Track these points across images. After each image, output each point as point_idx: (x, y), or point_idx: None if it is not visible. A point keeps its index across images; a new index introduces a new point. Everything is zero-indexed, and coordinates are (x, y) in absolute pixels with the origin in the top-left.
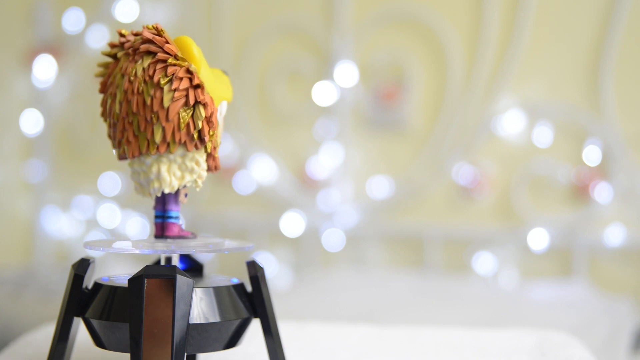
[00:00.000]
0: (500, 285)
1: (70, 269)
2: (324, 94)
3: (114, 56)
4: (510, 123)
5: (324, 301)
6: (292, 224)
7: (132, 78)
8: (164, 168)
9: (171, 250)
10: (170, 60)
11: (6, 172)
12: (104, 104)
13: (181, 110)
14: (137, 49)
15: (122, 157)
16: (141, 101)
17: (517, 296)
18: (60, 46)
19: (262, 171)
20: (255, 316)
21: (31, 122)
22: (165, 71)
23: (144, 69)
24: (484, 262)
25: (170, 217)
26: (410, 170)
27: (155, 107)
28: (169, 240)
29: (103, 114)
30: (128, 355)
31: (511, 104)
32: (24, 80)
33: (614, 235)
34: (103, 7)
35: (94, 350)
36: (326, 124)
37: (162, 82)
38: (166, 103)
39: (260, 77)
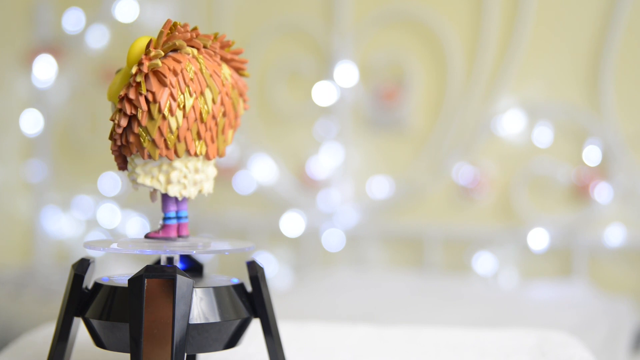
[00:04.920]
0: (500, 285)
1: (70, 269)
2: (324, 94)
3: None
4: (510, 123)
5: (324, 301)
6: (292, 224)
7: (225, 81)
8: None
9: (172, 251)
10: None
11: (6, 172)
12: (170, 95)
13: None
14: (216, 52)
15: (170, 155)
16: (230, 105)
17: (517, 296)
18: (60, 46)
19: (262, 171)
20: (255, 316)
21: (31, 122)
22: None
23: (229, 75)
24: (484, 262)
25: (186, 217)
26: (410, 170)
27: (239, 114)
28: (170, 240)
29: (177, 108)
30: (128, 355)
31: (511, 104)
32: (24, 80)
33: (614, 235)
34: (103, 7)
35: (94, 350)
36: (326, 124)
37: (244, 93)
38: (243, 111)
39: (260, 77)
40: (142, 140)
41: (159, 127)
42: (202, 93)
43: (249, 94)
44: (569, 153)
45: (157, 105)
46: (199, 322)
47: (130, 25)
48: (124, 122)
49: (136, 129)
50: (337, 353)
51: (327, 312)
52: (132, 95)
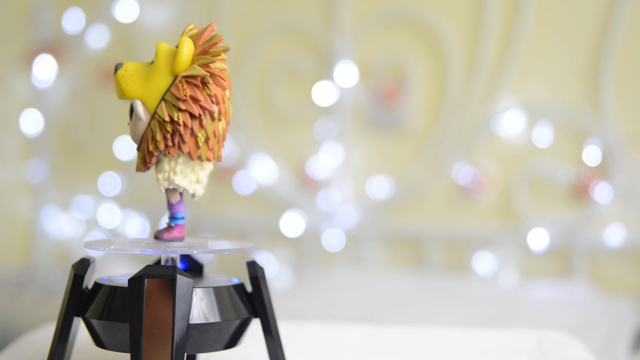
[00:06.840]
0: (500, 285)
1: (70, 269)
2: (324, 94)
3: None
4: (510, 123)
5: (324, 301)
6: (292, 224)
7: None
8: None
9: (172, 251)
10: None
11: (6, 172)
12: (222, 98)
13: None
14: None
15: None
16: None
17: (517, 296)
18: (60, 46)
19: (262, 171)
20: (255, 316)
21: (31, 122)
22: None
23: None
24: (484, 262)
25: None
26: (410, 170)
27: None
28: (171, 240)
29: (225, 113)
30: (128, 355)
31: (511, 104)
32: (24, 80)
33: (614, 235)
34: (103, 7)
35: (94, 350)
36: (326, 124)
37: None
38: None
39: (260, 77)
40: (199, 142)
41: (214, 129)
42: (230, 99)
43: (249, 94)
44: (569, 153)
45: (218, 107)
46: (199, 322)
47: (130, 25)
48: (189, 123)
49: (197, 130)
50: (337, 353)
51: (327, 312)
52: (200, 97)
